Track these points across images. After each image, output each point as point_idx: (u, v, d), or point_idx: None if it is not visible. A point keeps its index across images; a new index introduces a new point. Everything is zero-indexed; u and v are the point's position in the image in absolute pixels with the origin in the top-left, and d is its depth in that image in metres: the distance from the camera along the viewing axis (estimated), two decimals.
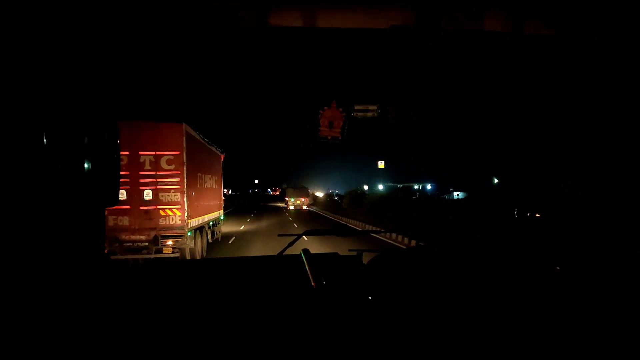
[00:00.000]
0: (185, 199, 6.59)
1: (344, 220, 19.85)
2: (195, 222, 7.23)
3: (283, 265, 1.54)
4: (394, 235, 11.34)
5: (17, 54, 0.83)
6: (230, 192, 62.12)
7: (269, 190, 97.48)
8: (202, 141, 8.48)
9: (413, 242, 10.12)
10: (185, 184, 6.56)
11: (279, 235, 2.03)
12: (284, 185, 39.87)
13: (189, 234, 6.78)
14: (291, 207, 34.01)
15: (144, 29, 1.11)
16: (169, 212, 6.48)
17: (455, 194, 29.60)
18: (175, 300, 1.18)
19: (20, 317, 0.76)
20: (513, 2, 1.17)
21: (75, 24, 0.99)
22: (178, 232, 6.52)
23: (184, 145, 6.50)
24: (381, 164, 38.76)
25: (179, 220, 6.54)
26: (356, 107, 1.79)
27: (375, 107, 1.78)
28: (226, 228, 14.08)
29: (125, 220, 6.24)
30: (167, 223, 6.44)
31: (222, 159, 11.54)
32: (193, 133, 7.35)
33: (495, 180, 27.70)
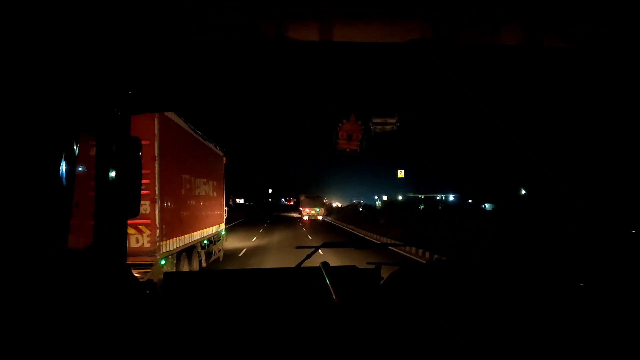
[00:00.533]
0: (157, 211, 4.65)
1: (376, 238, 16.13)
2: (176, 243, 5.39)
3: (301, 277, 1.57)
4: (413, 249, 11.48)
5: (37, 70, 0.91)
6: (243, 202, 63.31)
7: (283, 200, 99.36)
8: (193, 134, 6.47)
9: (431, 255, 10.34)
10: (157, 188, 4.68)
11: (297, 247, 2.14)
12: (301, 197, 39.50)
13: (161, 262, 4.76)
14: (305, 218, 34.29)
15: (160, 34, 1.19)
16: (133, 231, 4.57)
17: (483, 205, 29.05)
18: (192, 313, 1.21)
19: (35, 323, 0.80)
20: (530, 15, 1.24)
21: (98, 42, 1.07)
22: (146, 260, 4.58)
23: (157, 132, 4.65)
24: (401, 173, 38.50)
25: (148, 241, 4.61)
26: (375, 120, 1.86)
27: (394, 120, 1.85)
28: (235, 242, 14.07)
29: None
30: (131, 246, 4.46)
31: (225, 162, 9.74)
32: (177, 120, 5.51)
33: (523, 191, 26.87)
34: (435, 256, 10.10)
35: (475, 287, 1.33)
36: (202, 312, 1.22)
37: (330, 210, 39.81)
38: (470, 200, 33.93)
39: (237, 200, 59.86)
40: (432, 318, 1.09)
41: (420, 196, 42.15)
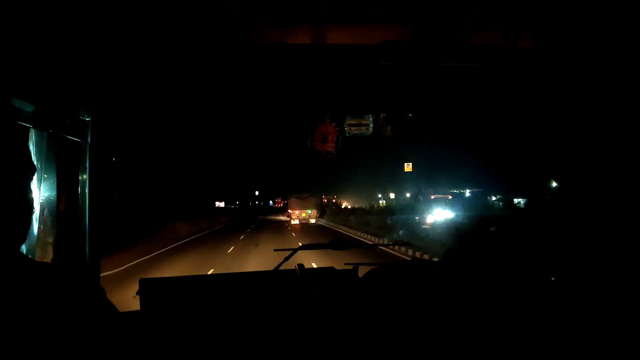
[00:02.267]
0: None
1: None
2: None
3: (279, 280, 1.75)
4: (397, 248, 12.86)
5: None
6: (225, 205, 63.12)
7: (270, 202, 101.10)
8: None
9: (414, 253, 11.60)
10: None
11: (275, 250, 2.31)
12: (290, 198, 38.73)
13: None
14: (295, 222, 33.48)
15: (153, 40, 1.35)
16: None
17: (516, 201, 29.36)
18: (171, 319, 1.34)
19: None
20: (507, 17, 1.42)
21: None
22: None
23: None
24: (408, 167, 38.56)
25: None
26: (349, 122, 2.03)
27: (368, 121, 2.01)
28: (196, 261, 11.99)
29: None
30: None
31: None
32: None
33: (554, 184, 27.34)
34: (419, 254, 11.41)
35: (450, 284, 1.52)
36: (183, 320, 1.33)
37: (335, 212, 38.93)
38: (494, 197, 34.21)
39: (217, 203, 59.72)
40: (405, 313, 1.25)
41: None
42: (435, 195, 35.56)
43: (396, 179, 40.73)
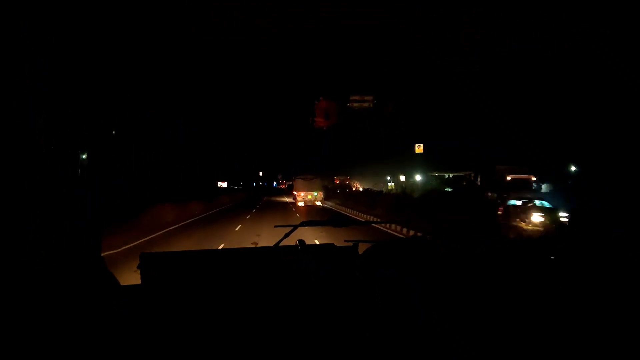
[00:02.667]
0: None
1: None
2: None
3: (280, 255, 1.82)
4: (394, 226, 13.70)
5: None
6: (228, 186, 63.42)
7: (274, 183, 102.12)
8: None
9: (412, 233, 12.32)
10: None
11: (275, 226, 2.40)
12: (295, 179, 38.41)
13: None
14: (300, 203, 33.77)
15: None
16: None
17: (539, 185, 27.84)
18: (172, 294, 1.43)
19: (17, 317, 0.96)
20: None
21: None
22: None
23: None
24: (419, 148, 38.08)
25: None
26: (352, 98, 3.83)
27: (370, 98, 4.00)
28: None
29: None
30: None
31: None
32: None
33: (573, 168, 26.80)
34: (412, 232, 12.17)
35: (446, 263, 1.61)
36: (182, 293, 1.41)
37: (347, 196, 38.18)
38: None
39: (220, 183, 59.93)
40: (402, 290, 1.31)
41: (447, 175, 41.84)
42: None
43: (405, 161, 40.36)
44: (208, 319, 1.24)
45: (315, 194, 35.08)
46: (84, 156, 1.35)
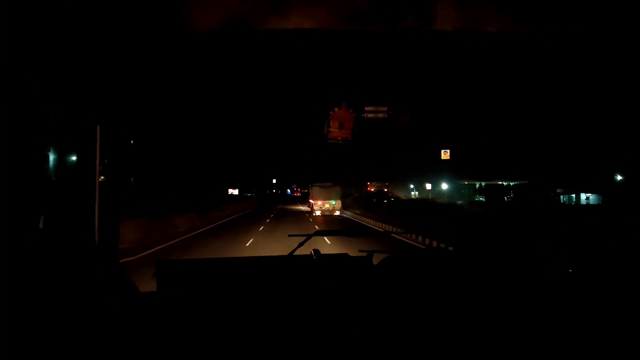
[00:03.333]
0: None
1: None
2: None
3: (294, 265, 1.92)
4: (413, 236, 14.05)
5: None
6: (240, 193, 63.86)
7: (288, 190, 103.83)
8: None
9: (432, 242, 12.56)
10: None
11: (289, 235, 2.53)
12: (311, 187, 37.94)
13: None
14: (317, 213, 33.20)
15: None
16: None
17: (584, 196, 26.02)
18: (185, 302, 1.50)
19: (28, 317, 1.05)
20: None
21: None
22: None
23: None
24: (445, 154, 37.29)
25: None
26: (366, 109, 2.26)
27: (385, 109, 2.27)
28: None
29: None
30: None
31: None
32: None
33: (619, 177, 25.48)
34: (430, 242, 12.48)
35: (459, 272, 1.69)
36: (199, 303, 1.48)
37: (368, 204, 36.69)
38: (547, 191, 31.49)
39: (230, 190, 60.49)
40: (419, 301, 1.40)
41: (479, 184, 40.51)
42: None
43: (430, 168, 39.49)
44: (221, 326, 1.30)
45: (334, 202, 34.47)
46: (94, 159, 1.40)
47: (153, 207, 17.48)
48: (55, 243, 1.24)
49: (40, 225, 1.17)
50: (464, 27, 1.56)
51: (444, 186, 38.37)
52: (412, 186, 46.42)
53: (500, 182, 37.55)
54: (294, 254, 2.02)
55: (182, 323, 1.30)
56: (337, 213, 34.01)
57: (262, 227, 20.38)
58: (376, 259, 2.01)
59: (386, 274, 1.80)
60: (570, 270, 1.72)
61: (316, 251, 1.95)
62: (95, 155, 1.37)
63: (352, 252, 2.18)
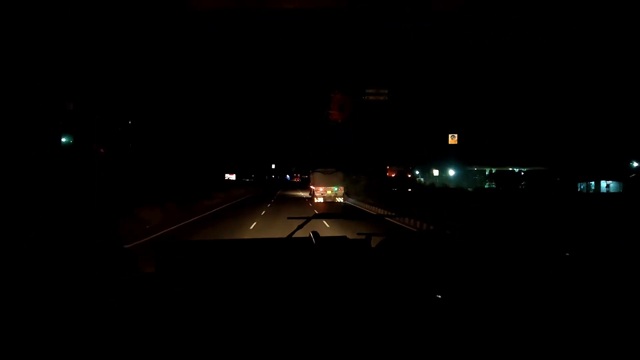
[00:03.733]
0: None
1: None
2: None
3: (293, 247, 2.01)
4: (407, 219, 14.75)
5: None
6: (237, 179, 63.39)
7: (287, 176, 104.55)
8: None
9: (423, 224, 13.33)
10: None
11: (288, 218, 2.67)
12: (312, 173, 37.35)
13: None
14: (319, 200, 32.99)
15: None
16: None
17: (604, 184, 25.07)
18: (187, 282, 1.67)
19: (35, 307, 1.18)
20: None
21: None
22: None
23: None
24: (452, 139, 36.56)
25: None
26: (368, 91, 7.27)
27: (386, 91, 7.06)
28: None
29: None
30: None
31: None
32: None
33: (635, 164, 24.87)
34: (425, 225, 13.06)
35: (459, 256, 1.88)
36: (195, 281, 1.64)
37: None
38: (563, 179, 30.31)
39: (227, 176, 59.91)
40: (416, 283, 1.57)
41: (488, 170, 39.60)
42: None
43: (437, 154, 38.75)
44: (218, 307, 1.40)
45: (336, 189, 34.00)
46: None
47: (122, 200, 14.77)
48: (55, 242, 1.33)
49: (40, 225, 1.25)
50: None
51: (451, 172, 37.76)
52: (417, 172, 45.70)
53: (512, 169, 36.88)
54: (293, 236, 2.10)
55: (177, 304, 1.38)
56: (340, 200, 33.58)
57: (254, 224, 16.81)
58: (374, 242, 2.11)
59: (383, 256, 1.90)
60: (567, 265, 1.77)
61: (315, 233, 2.00)
62: (94, 153, 1.76)
63: (351, 236, 2.19)
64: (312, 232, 2.01)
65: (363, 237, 2.06)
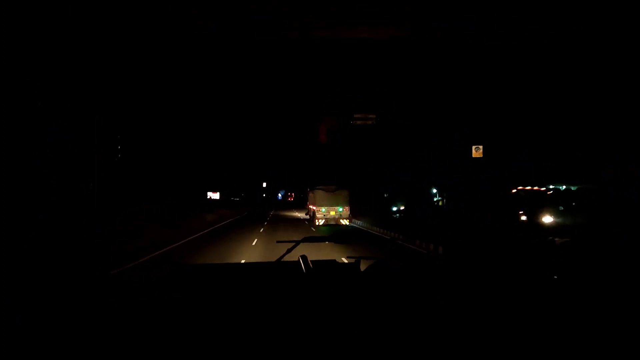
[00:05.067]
0: None
1: None
2: None
3: (282, 271, 2.25)
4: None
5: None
6: (222, 197, 60.25)
7: (279, 195, 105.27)
8: None
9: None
10: None
11: (277, 242, 3.08)
12: (310, 191, 35.60)
13: None
14: (320, 222, 30.57)
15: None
16: None
17: None
18: (173, 309, 1.70)
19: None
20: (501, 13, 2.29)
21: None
22: None
23: None
24: (477, 151, 33.79)
25: None
26: (355, 116, 4.08)
27: (374, 116, 4.05)
28: None
29: None
30: None
31: None
32: None
33: None
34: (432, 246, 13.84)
35: (450, 280, 2.02)
36: (181, 309, 1.68)
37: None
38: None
39: (211, 194, 56.97)
40: (404, 308, 1.63)
41: (521, 188, 36.78)
42: None
43: (457, 169, 35.94)
44: (208, 329, 1.44)
45: (340, 209, 31.48)
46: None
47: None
48: (55, 243, 1.51)
49: (40, 225, 1.40)
50: None
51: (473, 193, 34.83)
52: (434, 190, 42.77)
53: (553, 187, 34.13)
54: (282, 260, 2.34)
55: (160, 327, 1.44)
56: (345, 222, 31.08)
57: (266, 224, 22.83)
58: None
59: (372, 280, 2.02)
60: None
61: (303, 257, 2.10)
62: (95, 155, 1.68)
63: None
64: (300, 257, 2.12)
65: (352, 260, 2.26)
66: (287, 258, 2.30)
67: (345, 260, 2.39)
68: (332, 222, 30.48)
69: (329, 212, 31.02)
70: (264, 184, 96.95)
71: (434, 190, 42.25)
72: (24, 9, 1.24)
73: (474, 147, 35.09)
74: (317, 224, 30.76)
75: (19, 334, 1.18)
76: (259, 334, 1.36)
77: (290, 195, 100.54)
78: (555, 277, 1.97)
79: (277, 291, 1.82)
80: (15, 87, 1.23)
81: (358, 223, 32.64)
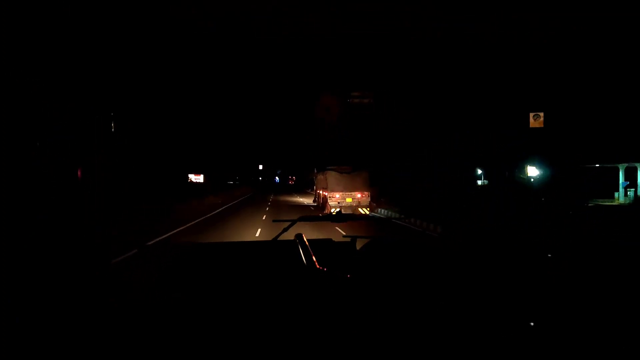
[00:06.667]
0: None
1: None
2: None
3: (278, 249, 2.41)
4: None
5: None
6: (206, 180, 55.65)
7: (276, 178, 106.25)
8: None
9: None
10: None
11: (273, 220, 3.17)
12: (317, 173, 32.33)
13: None
14: (332, 211, 25.37)
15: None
16: None
17: None
18: (172, 285, 1.91)
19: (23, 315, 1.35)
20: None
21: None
22: None
23: None
24: (536, 120, 28.69)
25: None
26: (353, 94, 5.05)
27: (371, 94, 5.12)
28: None
29: None
30: None
31: None
32: None
33: None
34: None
35: (445, 259, 2.15)
36: (179, 287, 1.87)
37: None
38: None
39: (193, 177, 52.27)
40: (396, 285, 1.72)
41: (591, 165, 31.80)
42: None
43: (507, 145, 30.94)
44: (205, 311, 1.54)
45: (359, 195, 27.28)
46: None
47: None
48: (55, 242, 1.55)
49: (40, 225, 1.46)
50: None
51: (533, 171, 29.90)
52: (479, 171, 37.73)
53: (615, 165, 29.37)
54: (278, 239, 2.50)
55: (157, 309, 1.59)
56: (364, 211, 26.60)
57: (268, 208, 28.09)
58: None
59: (367, 258, 2.21)
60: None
61: (299, 236, 2.17)
62: (94, 154, 1.74)
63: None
64: (296, 235, 2.18)
65: (349, 239, 2.45)
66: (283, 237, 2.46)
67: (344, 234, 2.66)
68: (349, 211, 25.76)
69: (344, 198, 27.04)
70: (260, 167, 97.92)
71: (479, 171, 37.38)
72: (24, 8, 1.30)
73: (532, 115, 30.32)
74: (329, 212, 25.94)
75: (19, 334, 1.24)
76: (252, 315, 1.47)
77: (291, 179, 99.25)
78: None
79: (272, 269, 2.02)
80: (15, 87, 1.29)
81: (384, 212, 27.67)
